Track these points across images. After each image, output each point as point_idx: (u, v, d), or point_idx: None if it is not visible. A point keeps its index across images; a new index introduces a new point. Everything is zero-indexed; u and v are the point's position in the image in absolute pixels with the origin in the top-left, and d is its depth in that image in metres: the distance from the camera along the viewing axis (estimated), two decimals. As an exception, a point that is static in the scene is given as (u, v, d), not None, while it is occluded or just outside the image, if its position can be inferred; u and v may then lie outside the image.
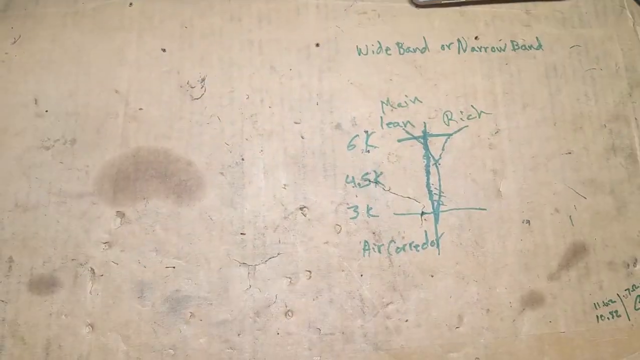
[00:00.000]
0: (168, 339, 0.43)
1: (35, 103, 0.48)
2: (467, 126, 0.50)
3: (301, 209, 0.47)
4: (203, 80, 0.49)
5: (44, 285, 0.44)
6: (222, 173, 0.47)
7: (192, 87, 0.49)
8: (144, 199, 0.46)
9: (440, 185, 0.48)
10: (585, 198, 0.49)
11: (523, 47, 0.52)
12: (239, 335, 0.44)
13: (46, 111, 0.48)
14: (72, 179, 0.46)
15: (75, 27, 0.50)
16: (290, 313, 0.45)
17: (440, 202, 0.48)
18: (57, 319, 0.43)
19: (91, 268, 0.44)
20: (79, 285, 0.44)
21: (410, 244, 0.47)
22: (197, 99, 0.49)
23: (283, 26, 0.51)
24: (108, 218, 0.45)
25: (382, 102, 0.50)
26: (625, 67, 0.52)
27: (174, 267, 0.45)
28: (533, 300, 0.46)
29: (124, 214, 0.46)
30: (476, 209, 0.48)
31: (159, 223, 0.45)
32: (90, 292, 0.44)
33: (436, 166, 0.49)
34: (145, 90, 0.48)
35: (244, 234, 0.46)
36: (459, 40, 0.52)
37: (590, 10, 0.54)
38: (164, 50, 0.50)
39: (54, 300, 0.44)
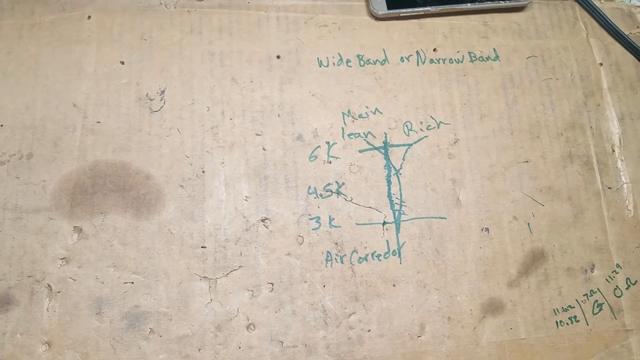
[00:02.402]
0: (127, 356, 0.43)
1: (-10, 117, 0.47)
2: (426, 136, 0.50)
3: (263, 220, 0.47)
4: (162, 92, 0.49)
5: (-2, 303, 0.43)
6: (182, 186, 0.47)
7: (151, 100, 0.48)
8: (102, 213, 0.45)
9: (401, 195, 0.48)
10: (543, 205, 0.50)
11: (480, 59, 0.53)
12: (199, 350, 0.43)
13: (1, 125, 0.47)
14: (29, 193, 0.45)
15: (32, 39, 0.49)
16: (252, 326, 0.44)
17: (402, 212, 0.48)
18: (12, 338, 0.42)
19: (48, 285, 0.44)
20: (35, 303, 0.43)
21: (372, 254, 0.47)
22: (157, 111, 0.48)
23: (244, 38, 0.51)
24: (65, 233, 0.45)
25: (343, 113, 0.50)
26: (580, 77, 0.54)
27: (132, 283, 0.44)
28: (493, 307, 0.47)
29: (81, 229, 0.45)
30: (436, 217, 0.48)
31: (117, 238, 0.45)
32: (47, 309, 0.43)
33: (397, 176, 0.49)
34: (103, 103, 0.48)
35: (205, 247, 0.46)
36: (417, 53, 0.52)
37: (545, 22, 0.55)
38: (122, 62, 0.49)
39: (9, 319, 0.43)
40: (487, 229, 0.48)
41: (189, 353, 0.43)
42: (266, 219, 0.47)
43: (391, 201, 0.48)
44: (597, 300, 0.48)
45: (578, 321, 0.48)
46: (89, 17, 0.50)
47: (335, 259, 0.47)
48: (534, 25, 0.55)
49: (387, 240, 0.47)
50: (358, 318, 0.45)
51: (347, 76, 0.51)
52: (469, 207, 0.49)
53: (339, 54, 0.52)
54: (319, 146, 0.49)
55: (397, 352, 0.45)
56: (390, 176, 0.49)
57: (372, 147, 0.50)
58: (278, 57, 0.51)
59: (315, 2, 0.53)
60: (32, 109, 0.47)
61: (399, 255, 0.47)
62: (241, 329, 0.44)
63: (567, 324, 0.47)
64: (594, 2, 0.56)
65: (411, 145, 0.50)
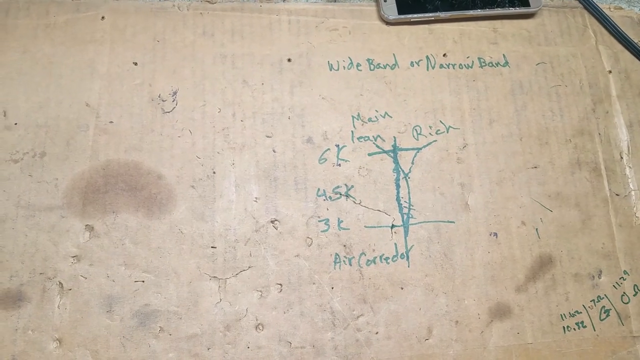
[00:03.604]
0: (137, 354, 0.43)
1: (4, 115, 0.47)
2: (435, 141, 0.51)
3: (272, 222, 0.47)
4: (175, 93, 0.49)
5: (10, 299, 0.43)
6: (193, 186, 0.47)
7: (163, 101, 0.49)
8: (114, 212, 0.46)
9: (409, 199, 0.49)
10: (551, 211, 0.50)
11: (490, 64, 0.53)
12: (208, 349, 0.44)
13: (15, 123, 0.47)
14: (41, 192, 0.46)
15: (47, 39, 0.50)
16: (260, 326, 0.45)
17: (410, 215, 0.48)
18: (24, 334, 0.43)
19: (59, 282, 0.44)
20: (46, 300, 0.43)
21: (380, 257, 0.47)
22: (169, 112, 0.49)
23: (256, 41, 0.52)
24: (77, 231, 0.45)
25: (353, 117, 0.50)
26: (589, 84, 0.54)
27: (143, 281, 0.44)
28: (501, 311, 0.47)
29: (93, 228, 0.45)
30: (445, 221, 0.48)
31: (129, 237, 0.45)
32: (58, 307, 0.43)
33: (406, 180, 0.49)
34: (116, 103, 0.48)
35: (215, 247, 0.46)
36: (427, 57, 0.53)
37: (555, 29, 0.55)
38: (135, 63, 0.50)
39: (21, 315, 0.43)
40: (495, 234, 0.49)
41: (198, 352, 0.43)
42: (275, 220, 0.47)
43: (400, 204, 0.49)
44: (604, 307, 0.48)
45: (585, 327, 0.48)
46: (103, 17, 0.51)
47: (344, 261, 0.47)
48: (544, 32, 0.55)
49: (395, 244, 0.48)
50: (366, 320, 0.46)
51: (357, 80, 0.52)
52: (477, 212, 0.49)
53: (349, 57, 0.52)
54: (328, 149, 0.49)
55: (404, 355, 0.45)
56: (399, 180, 0.49)
57: (381, 150, 0.50)
58: (289, 60, 0.51)
59: (326, 6, 0.53)
60: (45, 107, 0.48)
61: (407, 259, 0.47)
62: (250, 329, 0.44)
63: (574, 329, 0.47)
64: (604, 10, 0.56)
65: (420, 149, 0.50)
